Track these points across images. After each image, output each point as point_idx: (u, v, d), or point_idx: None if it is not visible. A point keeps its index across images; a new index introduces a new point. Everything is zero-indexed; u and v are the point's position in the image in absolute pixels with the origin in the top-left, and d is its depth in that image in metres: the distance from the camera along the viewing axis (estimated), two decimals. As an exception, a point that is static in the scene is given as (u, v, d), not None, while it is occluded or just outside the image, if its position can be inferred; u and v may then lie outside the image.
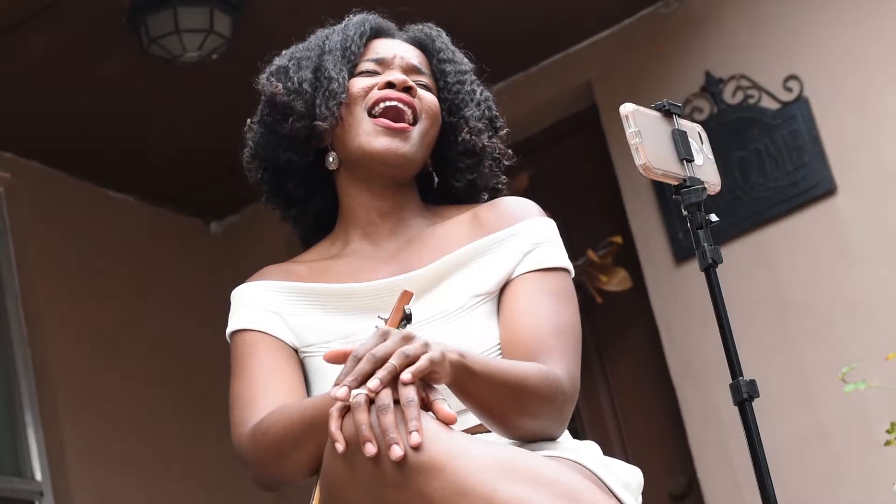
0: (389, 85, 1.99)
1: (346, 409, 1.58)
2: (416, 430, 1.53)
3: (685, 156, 1.81)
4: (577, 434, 1.94)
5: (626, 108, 1.79)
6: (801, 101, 4.44)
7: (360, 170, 2.00)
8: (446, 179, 2.07)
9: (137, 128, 4.76)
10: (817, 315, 4.33)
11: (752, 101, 4.54)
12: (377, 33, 2.09)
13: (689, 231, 1.81)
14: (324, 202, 2.08)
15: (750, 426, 1.73)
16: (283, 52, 2.08)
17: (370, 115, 1.98)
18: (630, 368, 4.81)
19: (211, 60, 4.26)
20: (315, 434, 1.69)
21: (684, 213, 1.80)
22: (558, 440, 1.86)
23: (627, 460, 1.93)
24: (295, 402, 1.81)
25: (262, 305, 1.97)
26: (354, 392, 1.57)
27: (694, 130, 1.87)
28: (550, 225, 1.99)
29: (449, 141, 2.05)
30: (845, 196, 4.33)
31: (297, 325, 1.95)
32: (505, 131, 2.11)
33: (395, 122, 1.97)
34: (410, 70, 2.04)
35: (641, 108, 1.81)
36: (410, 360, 1.59)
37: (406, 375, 1.56)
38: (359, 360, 1.60)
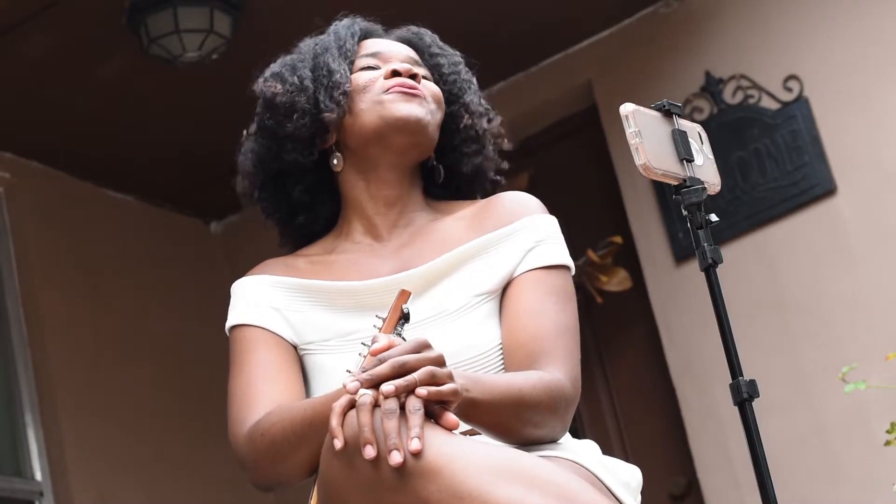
0: (395, 74, 2.00)
1: (349, 408, 1.58)
2: (418, 437, 1.53)
3: (685, 156, 1.81)
4: (577, 434, 1.94)
5: (626, 108, 1.79)
6: (801, 101, 4.44)
7: (373, 154, 1.99)
8: (452, 168, 2.07)
9: (137, 128, 4.75)
10: (817, 315, 4.32)
11: (752, 101, 4.54)
12: (367, 34, 2.10)
13: (689, 231, 1.81)
14: (331, 205, 2.07)
15: (750, 426, 1.73)
16: (272, 63, 2.08)
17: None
18: (630, 368, 4.80)
19: (211, 60, 4.26)
20: (314, 435, 1.69)
21: (684, 213, 1.80)
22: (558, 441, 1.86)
23: (627, 460, 1.93)
24: (294, 403, 1.81)
25: (262, 301, 1.97)
26: (362, 391, 1.57)
27: (694, 130, 1.87)
28: (552, 221, 1.99)
29: (451, 130, 2.06)
30: (845, 196, 4.33)
31: (296, 321, 1.95)
32: (499, 119, 2.13)
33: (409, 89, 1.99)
34: (409, 62, 2.05)
35: (641, 108, 1.81)
36: (434, 383, 1.58)
37: (422, 391, 1.56)
38: (383, 360, 1.60)
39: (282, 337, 1.94)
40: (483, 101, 2.12)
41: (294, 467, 1.75)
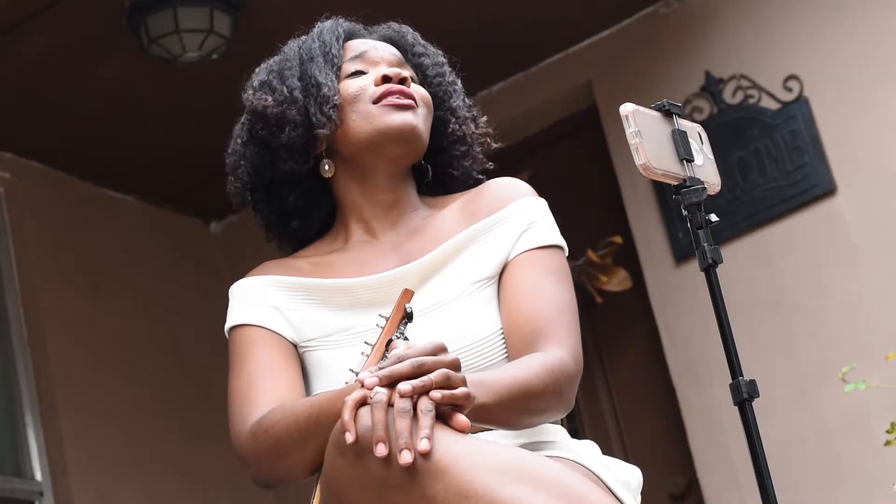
0: (385, 79, 1.99)
1: (361, 404, 1.58)
2: (427, 438, 1.54)
3: (685, 156, 1.82)
4: (577, 434, 1.95)
5: (626, 108, 1.79)
6: (801, 101, 4.44)
7: (367, 161, 1.99)
8: (442, 169, 2.08)
9: (137, 128, 4.75)
10: (817, 315, 4.32)
11: (752, 101, 4.54)
12: (350, 35, 2.09)
13: (689, 231, 1.81)
14: (325, 208, 2.07)
15: (750, 426, 1.73)
16: (257, 69, 2.06)
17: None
18: (630, 368, 4.80)
19: (211, 60, 4.26)
20: (319, 432, 1.69)
21: (684, 213, 1.80)
22: (557, 440, 1.87)
23: (627, 460, 1.93)
24: (297, 400, 1.81)
25: (261, 300, 1.97)
26: (376, 389, 1.58)
27: (694, 130, 1.87)
28: (542, 203, 2.00)
29: (439, 132, 2.06)
30: (845, 196, 4.33)
31: (296, 320, 1.95)
32: (484, 118, 2.13)
33: (399, 98, 1.98)
34: (396, 64, 2.05)
35: (641, 108, 1.81)
36: (448, 386, 1.59)
37: (436, 394, 1.57)
38: (401, 359, 1.61)
39: (282, 335, 1.94)
40: (467, 102, 2.11)
41: (297, 464, 1.75)
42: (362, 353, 1.73)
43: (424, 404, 1.56)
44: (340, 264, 2.00)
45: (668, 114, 1.84)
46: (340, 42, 2.05)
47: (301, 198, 2.05)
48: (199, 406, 4.83)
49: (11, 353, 4.59)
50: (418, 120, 1.98)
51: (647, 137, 1.78)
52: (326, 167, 2.00)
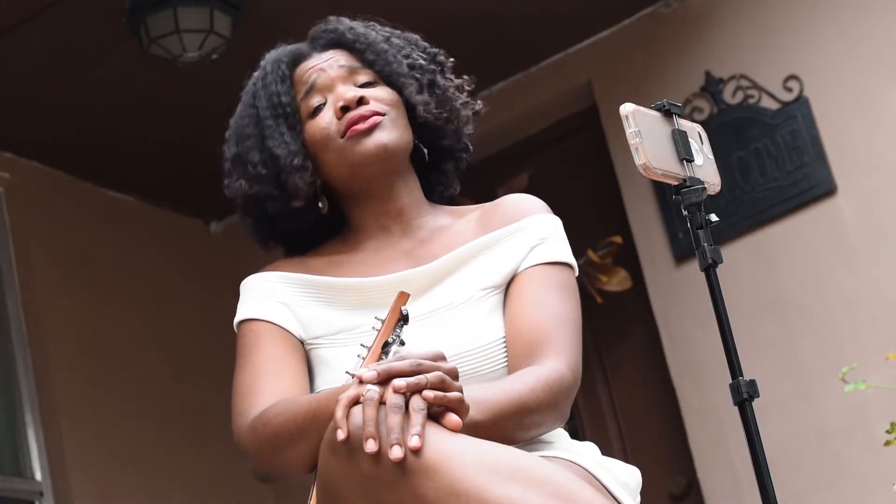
0: (344, 109, 1.99)
1: (354, 402, 1.59)
2: (418, 435, 1.54)
3: (685, 156, 1.82)
4: (577, 434, 1.95)
5: (626, 108, 1.80)
6: (801, 101, 4.44)
7: (359, 183, 2.02)
8: (432, 143, 2.08)
9: (137, 128, 4.75)
10: (817, 315, 4.32)
11: (752, 101, 4.54)
12: (297, 60, 2.08)
13: (689, 231, 1.81)
14: (331, 226, 2.09)
15: (750, 426, 1.73)
16: (231, 120, 2.07)
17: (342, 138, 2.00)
18: (630, 368, 4.81)
19: (211, 60, 4.26)
20: (315, 428, 1.69)
21: (684, 213, 1.81)
22: (555, 440, 1.87)
23: (627, 460, 1.94)
24: (298, 396, 1.82)
25: (270, 295, 1.99)
26: (368, 387, 1.58)
27: (694, 130, 1.87)
28: (556, 221, 2.02)
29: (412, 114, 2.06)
30: (845, 196, 4.33)
31: (304, 316, 1.97)
32: (451, 61, 2.11)
33: (362, 123, 1.98)
34: (348, 78, 2.04)
35: (641, 108, 1.81)
36: (443, 389, 1.60)
37: (430, 394, 1.58)
38: (401, 359, 1.62)
39: (289, 331, 1.96)
40: (421, 62, 2.06)
41: (294, 459, 1.76)
42: (358, 356, 1.74)
43: (417, 402, 1.57)
44: (352, 264, 2.02)
45: (668, 114, 1.85)
46: (288, 82, 2.05)
47: (307, 222, 2.07)
48: (200, 405, 4.84)
49: (11, 353, 4.59)
50: (389, 132, 1.99)
51: (647, 137, 1.78)
52: (321, 205, 2.03)
